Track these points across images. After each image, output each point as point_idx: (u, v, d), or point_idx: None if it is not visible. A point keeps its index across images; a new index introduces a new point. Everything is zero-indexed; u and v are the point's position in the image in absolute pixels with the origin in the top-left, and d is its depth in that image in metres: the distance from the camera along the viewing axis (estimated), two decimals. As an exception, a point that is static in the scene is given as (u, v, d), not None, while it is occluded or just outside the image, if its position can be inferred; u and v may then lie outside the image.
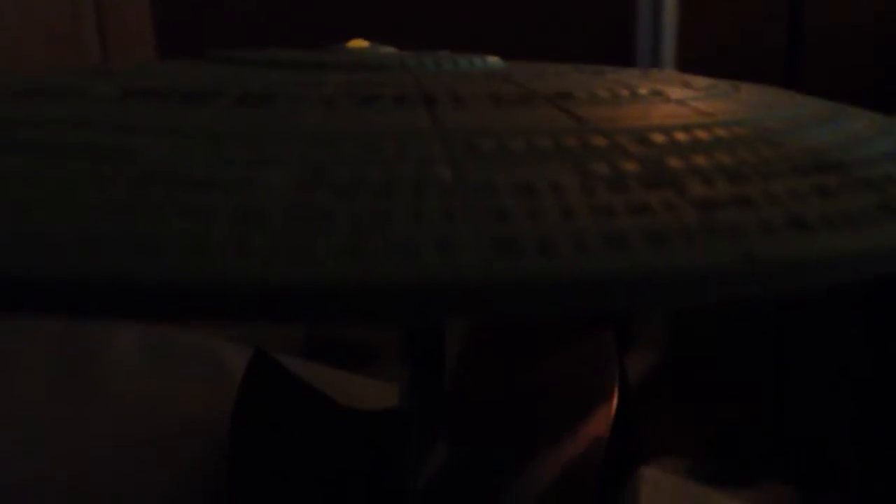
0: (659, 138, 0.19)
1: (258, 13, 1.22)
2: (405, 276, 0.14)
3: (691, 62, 1.03)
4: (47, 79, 0.25)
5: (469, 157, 0.17)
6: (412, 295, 0.14)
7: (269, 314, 0.14)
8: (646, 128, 0.20)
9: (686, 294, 0.15)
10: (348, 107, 0.20)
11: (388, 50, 0.30)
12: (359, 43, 0.29)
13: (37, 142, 0.18)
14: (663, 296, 0.14)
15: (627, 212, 0.15)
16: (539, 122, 0.20)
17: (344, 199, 0.15)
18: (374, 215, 0.15)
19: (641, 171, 0.17)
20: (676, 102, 0.23)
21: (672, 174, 0.17)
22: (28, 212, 0.15)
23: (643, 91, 0.24)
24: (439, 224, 0.15)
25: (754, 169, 0.18)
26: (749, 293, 0.15)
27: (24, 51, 0.80)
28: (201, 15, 1.19)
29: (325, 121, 0.19)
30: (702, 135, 0.20)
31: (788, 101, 0.26)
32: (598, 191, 0.16)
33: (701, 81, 0.28)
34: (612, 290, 0.14)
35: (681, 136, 0.19)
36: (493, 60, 0.28)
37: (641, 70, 0.34)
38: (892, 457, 0.85)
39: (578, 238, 0.15)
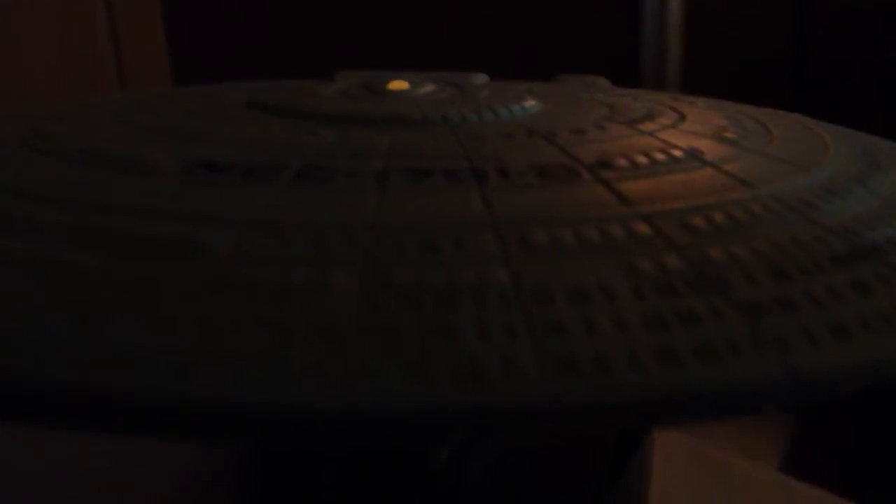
0: (699, 222, 0.20)
1: (268, 43, 1.23)
2: (472, 400, 0.15)
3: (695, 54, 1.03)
4: (100, 134, 0.26)
5: (523, 253, 0.18)
6: (477, 417, 0.15)
7: (346, 436, 0.15)
8: (686, 210, 0.20)
9: (729, 408, 0.16)
10: (402, 186, 0.21)
11: (427, 89, 0.30)
12: (399, 84, 0.30)
13: (106, 232, 0.19)
14: (709, 411, 0.15)
15: (677, 321, 0.16)
16: (585, 205, 0.20)
17: (409, 309, 0.16)
18: (440, 330, 0.16)
19: (686, 268, 0.18)
20: (713, 167, 0.24)
21: (716, 271, 0.18)
22: (105, 320, 0.16)
23: (679, 153, 0.24)
24: (502, 340, 0.16)
25: (794, 261, 0.19)
26: (786, 402, 0.16)
27: (39, 77, 0.81)
28: (215, 41, 1.20)
29: (382, 208, 0.20)
30: (740, 215, 0.21)
31: (819, 152, 0.27)
32: (647, 295, 0.17)
33: (733, 126, 0.29)
34: (663, 407, 0.15)
35: (720, 218, 0.20)
36: (530, 105, 0.29)
37: (671, 97, 0.34)
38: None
39: (632, 354, 0.16)
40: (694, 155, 0.25)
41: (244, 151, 0.23)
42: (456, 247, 0.18)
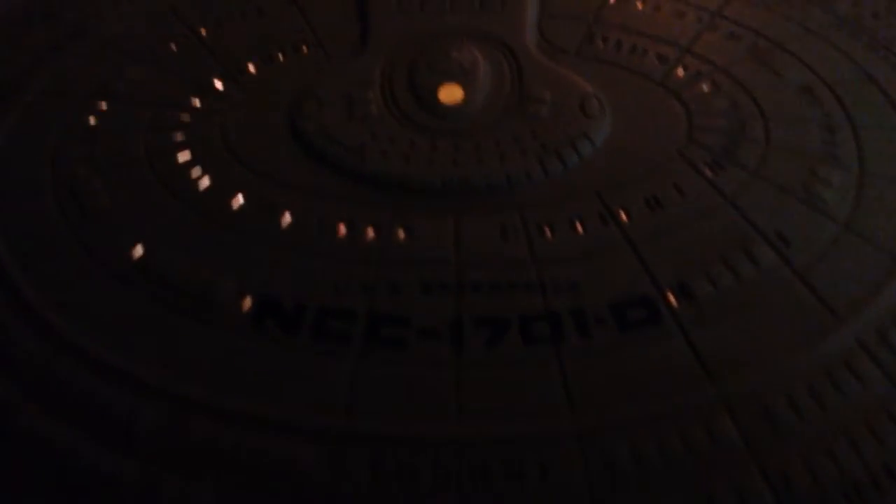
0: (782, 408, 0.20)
1: None
2: None
3: None
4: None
5: (605, 482, 0.19)
6: None
7: None
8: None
9: None
10: (478, 354, 0.21)
11: (482, 98, 0.28)
12: (452, 94, 0.28)
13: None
14: None
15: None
16: (667, 384, 0.20)
17: None
18: None
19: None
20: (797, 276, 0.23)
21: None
22: None
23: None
24: None
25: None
26: None
27: None
28: None
29: (461, 397, 0.20)
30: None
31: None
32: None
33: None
34: None
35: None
36: (598, 132, 0.27)
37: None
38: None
39: None
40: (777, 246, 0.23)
41: (311, 283, 0.23)
42: (542, 473, 0.19)
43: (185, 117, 0.28)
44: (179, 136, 0.27)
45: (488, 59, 0.30)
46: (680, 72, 0.29)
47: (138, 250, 0.24)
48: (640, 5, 0.33)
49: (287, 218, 0.24)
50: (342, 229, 0.24)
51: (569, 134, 0.27)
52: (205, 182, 0.26)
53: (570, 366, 0.21)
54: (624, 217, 0.24)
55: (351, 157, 0.26)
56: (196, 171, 0.26)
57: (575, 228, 0.24)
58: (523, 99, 0.28)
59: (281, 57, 0.31)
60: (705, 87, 0.29)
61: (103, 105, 0.29)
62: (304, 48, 0.31)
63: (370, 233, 0.24)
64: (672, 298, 0.22)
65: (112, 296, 0.23)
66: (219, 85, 0.29)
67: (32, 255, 0.24)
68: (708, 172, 0.26)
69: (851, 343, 0.21)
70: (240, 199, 0.25)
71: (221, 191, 0.25)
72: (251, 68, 0.30)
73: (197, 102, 0.28)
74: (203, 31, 0.32)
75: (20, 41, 0.32)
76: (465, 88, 0.28)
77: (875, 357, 0.21)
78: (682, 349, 0.21)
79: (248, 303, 0.22)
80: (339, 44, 0.31)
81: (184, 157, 0.26)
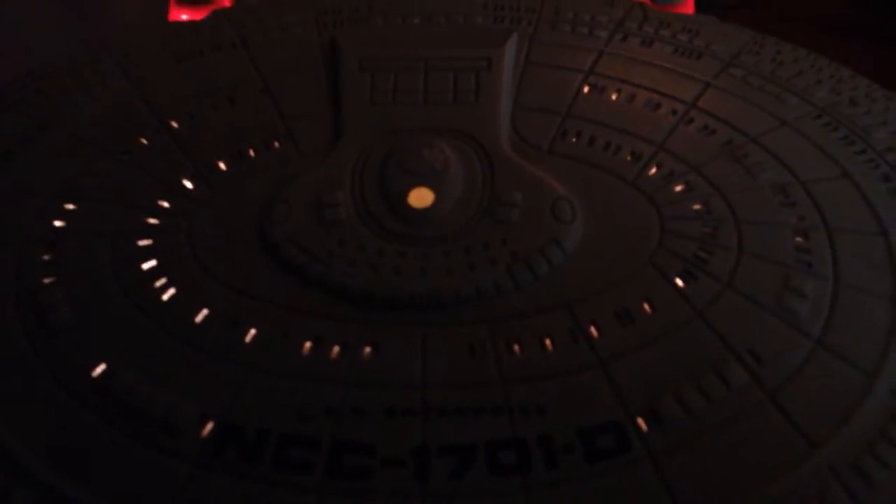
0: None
1: None
2: None
3: None
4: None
5: None
6: None
7: None
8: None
9: None
10: (443, 486, 0.20)
11: (452, 203, 0.27)
12: (422, 198, 0.27)
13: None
14: None
15: None
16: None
17: None
18: None
19: None
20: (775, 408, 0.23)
21: None
22: None
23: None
24: None
25: None
26: None
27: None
28: None
29: None
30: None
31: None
32: None
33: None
34: None
35: None
36: (570, 240, 0.26)
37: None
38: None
39: None
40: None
41: (274, 407, 0.22)
42: None
43: (153, 220, 0.27)
44: (145, 242, 0.27)
45: (460, 158, 0.29)
46: (653, 170, 0.29)
47: (99, 369, 0.23)
48: (614, 96, 0.33)
49: (252, 333, 0.24)
50: (307, 346, 0.24)
51: (539, 241, 0.26)
52: (169, 293, 0.25)
53: (536, 498, 0.20)
54: (594, 332, 0.24)
55: (319, 266, 0.26)
56: (161, 281, 0.25)
57: (544, 346, 0.24)
58: (494, 202, 0.28)
59: (252, 153, 0.30)
60: (678, 188, 0.28)
61: (70, 206, 0.28)
62: (276, 143, 0.31)
63: (335, 350, 0.24)
64: (642, 424, 0.22)
65: (70, 418, 0.22)
66: (188, 184, 0.29)
67: None
68: (679, 283, 0.25)
69: (825, 473, 0.21)
70: (204, 312, 0.25)
71: (186, 303, 0.25)
72: (222, 165, 0.30)
73: (165, 204, 0.28)
74: (174, 124, 0.32)
75: None
76: (435, 191, 0.28)
77: (849, 488, 0.20)
78: (652, 481, 0.21)
79: (209, 428, 0.22)
80: (311, 136, 0.31)
81: (149, 265, 0.26)
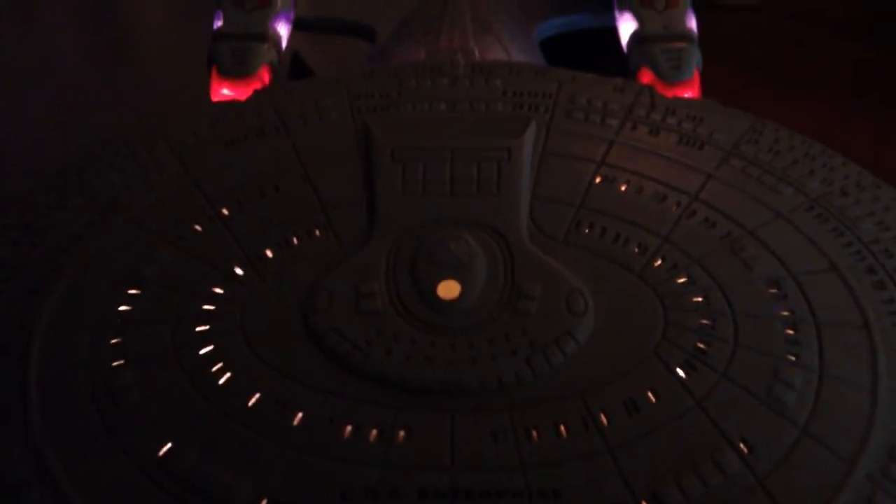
0: None
1: None
2: None
3: None
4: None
5: None
6: None
7: None
8: None
9: None
10: None
11: (477, 293, 0.31)
12: (450, 290, 0.31)
13: None
14: None
15: None
16: None
17: None
18: None
19: None
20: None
21: None
22: None
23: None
24: None
25: None
26: None
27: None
28: None
29: None
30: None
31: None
32: None
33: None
34: None
35: None
36: (583, 330, 0.29)
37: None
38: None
39: None
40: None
41: (322, 487, 0.25)
42: None
43: (208, 307, 0.31)
44: (202, 328, 0.30)
45: (484, 249, 0.32)
46: (658, 262, 0.32)
47: (165, 448, 0.26)
48: (623, 187, 0.36)
49: (299, 416, 0.27)
50: (348, 430, 0.27)
51: (555, 333, 0.29)
52: (225, 377, 0.28)
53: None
54: (604, 421, 0.27)
55: (358, 355, 0.29)
56: (217, 366, 0.29)
57: (559, 433, 0.27)
58: (514, 294, 0.31)
59: (295, 240, 0.34)
60: (680, 281, 0.31)
61: (134, 291, 0.32)
62: (317, 231, 0.34)
63: (373, 434, 0.27)
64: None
65: (141, 495, 0.25)
66: (239, 271, 0.32)
67: (72, 450, 0.27)
68: (681, 373, 0.28)
69: None
70: (256, 396, 0.28)
71: (239, 387, 0.28)
72: (268, 253, 0.33)
73: (219, 290, 0.31)
74: (225, 211, 0.35)
75: (59, 213, 0.35)
76: (462, 282, 0.31)
77: None
78: None
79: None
80: (349, 224, 0.34)
81: (206, 350, 0.29)
